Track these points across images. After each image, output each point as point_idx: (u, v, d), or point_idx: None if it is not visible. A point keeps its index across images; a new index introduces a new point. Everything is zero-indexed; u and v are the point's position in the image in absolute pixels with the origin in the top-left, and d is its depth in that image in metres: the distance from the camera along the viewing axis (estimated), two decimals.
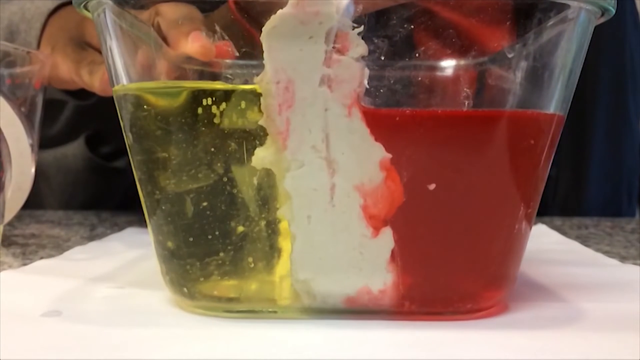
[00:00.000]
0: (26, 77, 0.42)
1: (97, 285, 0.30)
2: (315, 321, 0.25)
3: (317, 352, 0.21)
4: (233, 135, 0.24)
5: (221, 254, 0.25)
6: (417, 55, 0.26)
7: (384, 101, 0.25)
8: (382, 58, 0.24)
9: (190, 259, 0.25)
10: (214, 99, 0.24)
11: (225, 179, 0.24)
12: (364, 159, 0.23)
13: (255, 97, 0.23)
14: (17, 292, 0.29)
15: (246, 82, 0.26)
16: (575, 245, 0.44)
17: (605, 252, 0.41)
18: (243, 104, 0.23)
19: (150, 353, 0.21)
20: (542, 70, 0.25)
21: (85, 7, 0.26)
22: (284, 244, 0.24)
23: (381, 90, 0.25)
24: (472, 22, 0.25)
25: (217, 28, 0.26)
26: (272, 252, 0.25)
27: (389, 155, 0.23)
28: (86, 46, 0.47)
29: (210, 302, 0.25)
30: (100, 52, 0.46)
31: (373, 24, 0.23)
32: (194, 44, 0.27)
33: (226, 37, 0.26)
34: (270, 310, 0.25)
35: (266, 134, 0.23)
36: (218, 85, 0.25)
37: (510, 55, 0.25)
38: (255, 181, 0.24)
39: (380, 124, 0.23)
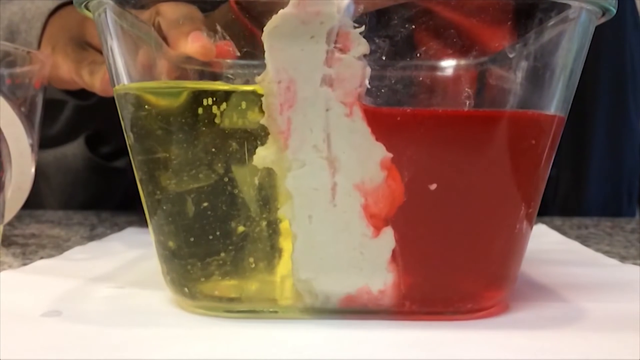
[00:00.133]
0: (26, 77, 0.42)
1: (97, 285, 0.30)
2: (315, 321, 0.25)
3: (317, 352, 0.21)
4: (234, 135, 0.24)
5: (222, 254, 0.25)
6: (418, 55, 0.26)
7: (385, 101, 0.25)
8: (384, 58, 0.24)
9: (191, 259, 0.25)
10: (214, 99, 0.24)
11: (226, 179, 0.24)
12: (365, 159, 0.23)
13: (256, 97, 0.23)
14: (17, 292, 0.29)
15: (247, 82, 0.26)
16: (575, 245, 0.44)
17: (605, 252, 0.41)
18: (244, 104, 0.23)
19: (150, 353, 0.21)
20: (543, 70, 0.25)
21: (86, 7, 0.26)
22: (285, 243, 0.24)
23: (382, 90, 0.25)
24: (473, 22, 0.25)
25: (219, 28, 0.26)
26: (273, 252, 0.25)
27: (390, 155, 0.23)
28: (86, 46, 0.47)
29: (211, 302, 0.25)
30: (100, 52, 0.46)
31: (374, 23, 0.23)
32: (194, 43, 0.27)
33: (227, 37, 0.26)
34: (271, 310, 0.25)
35: (267, 134, 0.23)
36: (219, 85, 0.25)
37: (511, 55, 0.25)
38: (256, 181, 0.24)
39: (381, 124, 0.23)
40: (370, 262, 0.24)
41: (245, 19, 0.26)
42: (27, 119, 0.41)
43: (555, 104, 0.25)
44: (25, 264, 0.35)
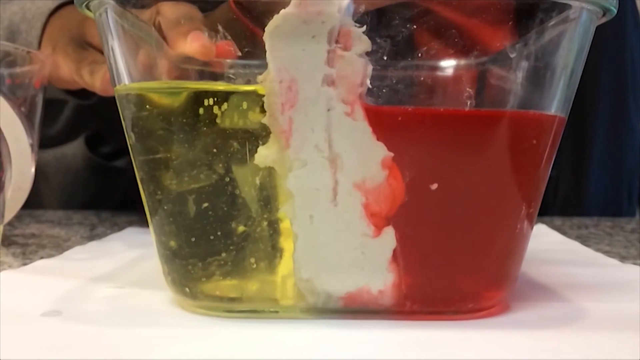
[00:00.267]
0: (26, 77, 0.42)
1: (97, 285, 0.30)
2: (316, 321, 0.25)
3: (318, 352, 0.21)
4: (235, 135, 0.24)
5: (223, 254, 0.25)
6: (419, 55, 0.26)
7: (386, 101, 0.25)
8: (385, 58, 0.24)
9: (192, 259, 0.25)
10: (216, 99, 0.24)
11: (227, 179, 0.24)
12: (367, 158, 0.23)
13: (257, 97, 0.23)
14: (17, 292, 0.29)
15: (249, 82, 0.26)
16: (575, 245, 0.44)
17: (605, 252, 0.41)
18: (245, 104, 0.23)
19: (150, 353, 0.21)
20: (544, 71, 0.25)
21: (87, 7, 0.26)
22: (286, 243, 0.24)
23: (384, 90, 0.25)
24: (474, 22, 0.25)
25: (220, 28, 0.26)
26: (274, 252, 0.25)
27: (391, 154, 0.23)
28: (87, 46, 0.47)
29: (212, 302, 0.25)
30: (100, 51, 0.46)
31: (375, 23, 0.23)
32: (193, 43, 0.27)
33: (229, 37, 0.26)
34: (271, 310, 0.25)
35: (269, 133, 0.23)
36: (220, 85, 0.25)
37: (512, 55, 0.25)
38: (257, 181, 0.24)
39: (382, 123, 0.23)
40: (371, 262, 0.24)
41: (246, 19, 0.26)
42: (27, 119, 0.41)
43: (556, 104, 0.25)
44: (25, 264, 0.35)
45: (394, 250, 0.24)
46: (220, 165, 0.24)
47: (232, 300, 0.25)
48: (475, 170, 0.24)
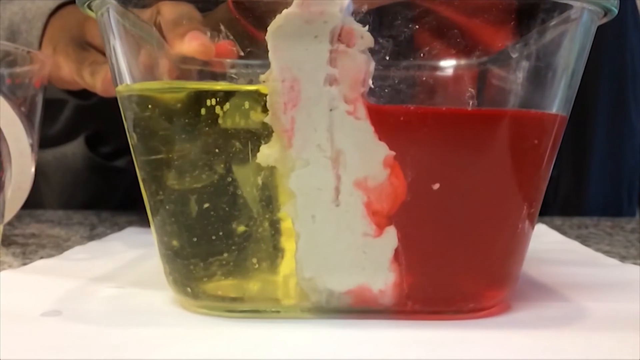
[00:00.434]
0: (26, 76, 0.42)
1: (98, 285, 0.30)
2: (317, 321, 0.24)
3: (318, 352, 0.21)
4: (237, 134, 0.24)
5: (225, 254, 0.25)
6: (421, 55, 0.26)
7: (388, 101, 0.25)
8: (387, 58, 0.24)
9: (194, 259, 0.25)
10: (218, 99, 0.24)
11: (229, 179, 0.24)
12: (369, 158, 0.23)
13: (259, 97, 0.23)
14: (17, 292, 0.29)
15: (251, 82, 0.26)
16: (575, 245, 0.44)
17: (605, 252, 0.41)
18: (247, 104, 0.23)
19: (150, 353, 0.21)
20: (545, 71, 0.25)
21: (89, 7, 0.26)
22: (288, 243, 0.24)
23: (386, 90, 0.25)
24: (476, 22, 0.25)
25: (222, 27, 0.26)
26: (275, 252, 0.25)
27: (393, 153, 0.23)
28: (87, 46, 0.47)
29: (213, 301, 0.25)
30: (101, 52, 0.46)
31: (377, 24, 0.23)
32: (192, 42, 0.27)
33: (231, 37, 0.26)
34: (273, 310, 0.25)
35: (271, 133, 0.23)
36: (222, 85, 0.25)
37: (513, 55, 0.25)
38: (259, 181, 0.24)
39: (384, 122, 0.23)
40: (372, 262, 0.24)
41: (244, 20, 0.26)
42: (27, 118, 0.41)
43: (557, 103, 0.25)
44: (25, 264, 0.35)
45: (396, 250, 0.24)
46: (222, 165, 0.24)
47: (233, 300, 0.25)
48: (477, 170, 0.24)
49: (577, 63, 0.25)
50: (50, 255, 0.38)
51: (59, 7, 0.51)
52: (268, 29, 0.22)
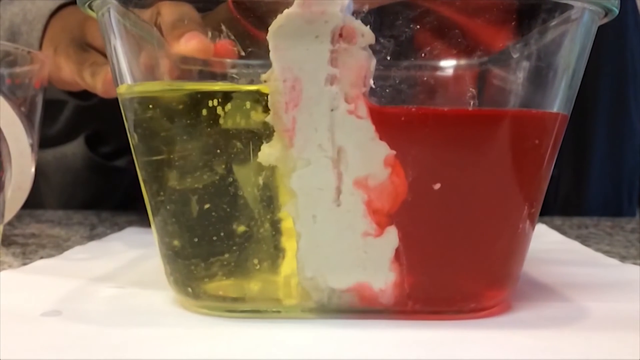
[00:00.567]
0: (26, 77, 0.42)
1: (98, 285, 0.30)
2: (317, 321, 0.24)
3: (319, 352, 0.21)
4: (239, 134, 0.24)
5: (226, 254, 0.25)
6: (423, 55, 0.26)
7: (389, 101, 0.25)
8: (388, 58, 0.24)
9: (195, 259, 0.25)
10: (219, 99, 0.24)
11: (230, 179, 0.24)
12: (370, 157, 0.23)
13: (260, 97, 0.23)
14: (17, 292, 0.29)
15: (252, 82, 0.26)
16: (575, 245, 0.44)
17: (605, 252, 0.41)
18: (248, 104, 0.23)
19: (150, 353, 0.21)
20: (546, 71, 0.25)
21: (90, 7, 0.26)
22: (289, 243, 0.24)
23: (387, 90, 0.25)
24: (477, 22, 0.25)
25: (223, 27, 0.26)
26: (277, 252, 0.25)
27: (394, 152, 0.23)
28: (88, 47, 0.47)
29: (214, 302, 0.25)
30: (101, 53, 0.46)
31: (379, 24, 0.23)
32: (190, 41, 0.27)
33: (232, 37, 0.26)
34: (274, 310, 0.25)
35: (272, 133, 0.23)
36: (223, 86, 0.25)
37: (514, 55, 0.25)
38: (260, 181, 0.24)
39: (385, 123, 0.23)
40: (373, 261, 0.24)
41: (244, 19, 0.26)
42: (27, 119, 0.41)
43: (558, 103, 0.25)
44: (25, 264, 0.35)
45: (397, 250, 0.24)
46: (223, 165, 0.24)
47: (234, 300, 0.25)
48: (478, 170, 0.24)
49: (577, 63, 0.25)
50: (50, 255, 0.38)
51: (59, 8, 0.51)
52: (269, 29, 0.22)
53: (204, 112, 0.24)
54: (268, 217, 0.24)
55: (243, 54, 0.27)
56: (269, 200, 0.24)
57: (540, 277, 0.33)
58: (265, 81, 0.23)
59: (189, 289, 0.25)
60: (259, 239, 0.24)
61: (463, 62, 0.28)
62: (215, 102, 0.24)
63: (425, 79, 0.27)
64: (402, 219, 0.24)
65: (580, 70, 0.26)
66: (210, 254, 0.25)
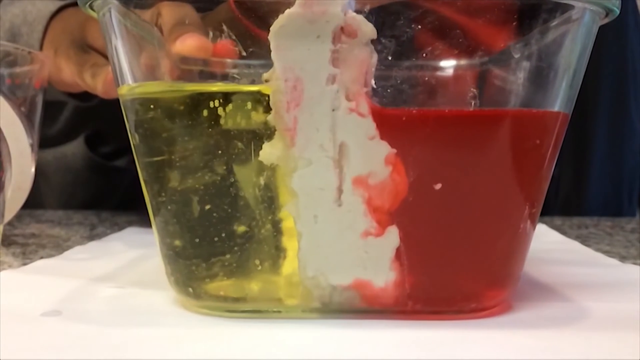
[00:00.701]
0: (26, 77, 0.42)
1: (98, 285, 0.30)
2: (318, 321, 0.24)
3: (319, 352, 0.21)
4: (240, 135, 0.24)
5: (227, 255, 0.25)
6: (424, 55, 0.26)
7: (391, 101, 0.25)
8: (389, 58, 0.24)
9: (196, 260, 0.25)
10: (220, 99, 0.24)
11: (231, 180, 0.24)
12: (371, 156, 0.23)
13: (261, 97, 0.23)
14: (17, 292, 0.29)
15: (253, 82, 0.26)
16: (575, 245, 0.44)
17: (605, 252, 0.41)
18: (249, 105, 0.23)
19: (151, 353, 0.21)
20: (547, 71, 0.25)
21: (91, 7, 0.26)
22: (290, 243, 0.24)
23: (388, 90, 0.25)
24: (478, 22, 0.25)
25: (224, 27, 0.26)
26: (277, 252, 0.25)
27: (394, 150, 0.23)
28: (88, 49, 0.47)
29: (215, 302, 0.25)
30: (102, 54, 0.46)
31: (380, 24, 0.23)
32: (188, 40, 0.27)
33: (233, 37, 0.26)
34: (274, 310, 0.25)
35: (274, 132, 0.23)
36: (224, 86, 0.25)
37: (516, 56, 0.25)
38: (261, 181, 0.24)
39: (387, 123, 0.23)
40: (374, 261, 0.24)
41: (246, 19, 0.26)
42: (27, 119, 0.41)
43: (559, 103, 0.25)
44: (25, 264, 0.35)
45: (397, 250, 0.24)
46: (225, 165, 0.24)
47: (235, 300, 0.25)
48: (479, 170, 0.24)
49: (578, 63, 0.25)
50: (50, 255, 0.38)
51: (59, 10, 0.51)
52: (271, 29, 0.22)
53: (205, 112, 0.24)
54: (269, 217, 0.24)
55: (244, 54, 0.27)
56: (270, 200, 0.24)
57: (540, 277, 0.33)
58: (266, 80, 0.23)
59: (190, 289, 0.25)
60: (260, 239, 0.24)
61: (464, 62, 0.28)
62: (217, 102, 0.24)
63: (426, 79, 0.27)
64: (403, 219, 0.24)
65: (581, 70, 0.26)
66: (212, 254, 0.25)
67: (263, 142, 0.23)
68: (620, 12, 0.25)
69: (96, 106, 0.62)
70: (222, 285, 0.25)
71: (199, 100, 0.24)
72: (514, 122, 0.24)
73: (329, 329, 0.24)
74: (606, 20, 0.26)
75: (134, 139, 0.26)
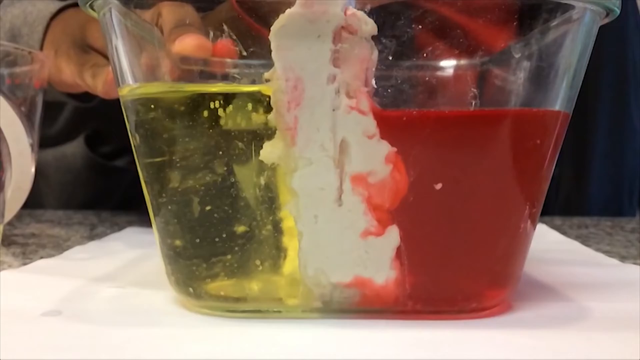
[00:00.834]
0: (26, 77, 0.42)
1: (98, 284, 0.30)
2: (318, 321, 0.25)
3: (319, 352, 0.21)
4: (241, 135, 0.24)
5: (228, 255, 0.25)
6: (424, 55, 0.26)
7: (391, 101, 0.25)
8: (390, 58, 0.24)
9: (196, 260, 0.25)
10: (221, 100, 0.24)
11: (232, 180, 0.24)
12: (372, 155, 0.23)
13: (262, 97, 0.23)
14: (17, 292, 0.29)
15: (253, 82, 0.26)
16: (575, 245, 0.44)
17: (605, 252, 0.41)
18: (250, 105, 0.23)
19: (151, 353, 0.21)
20: (548, 71, 0.25)
21: (91, 7, 0.26)
22: (290, 243, 0.24)
23: (389, 90, 0.25)
24: (479, 22, 0.25)
25: (225, 27, 0.26)
26: (278, 252, 0.25)
27: (395, 149, 0.23)
28: (88, 49, 0.47)
29: (216, 302, 0.25)
30: (102, 54, 0.46)
31: (380, 24, 0.23)
32: (186, 39, 0.27)
33: (234, 37, 0.26)
34: (275, 310, 0.25)
35: (274, 132, 0.23)
36: (224, 87, 0.25)
37: (516, 55, 0.25)
38: (262, 181, 0.24)
39: (388, 124, 0.23)
40: (374, 260, 0.24)
41: (249, 18, 0.26)
42: (27, 119, 0.41)
43: (559, 103, 0.25)
44: (25, 264, 0.35)
45: (398, 249, 0.24)
46: (225, 166, 0.24)
47: (236, 300, 0.25)
48: (479, 170, 0.24)
49: (578, 63, 0.25)
50: (50, 255, 0.38)
51: (60, 11, 0.51)
52: (271, 28, 0.22)
53: (206, 113, 0.24)
54: (269, 217, 0.24)
55: (244, 53, 0.27)
56: (271, 200, 0.24)
57: (540, 276, 0.33)
58: (267, 80, 0.23)
59: (191, 289, 0.25)
60: (260, 239, 0.24)
61: (465, 62, 0.28)
62: (217, 103, 0.24)
63: (427, 79, 0.27)
64: (403, 218, 0.24)
65: (581, 70, 0.26)
66: (212, 254, 0.25)
67: (263, 142, 0.23)
68: (620, 12, 0.25)
69: (96, 106, 0.61)
70: (222, 285, 0.25)
71: (200, 101, 0.24)
72: (515, 122, 0.24)
73: (330, 328, 0.24)
74: (606, 20, 0.26)
75: (134, 140, 0.26)
